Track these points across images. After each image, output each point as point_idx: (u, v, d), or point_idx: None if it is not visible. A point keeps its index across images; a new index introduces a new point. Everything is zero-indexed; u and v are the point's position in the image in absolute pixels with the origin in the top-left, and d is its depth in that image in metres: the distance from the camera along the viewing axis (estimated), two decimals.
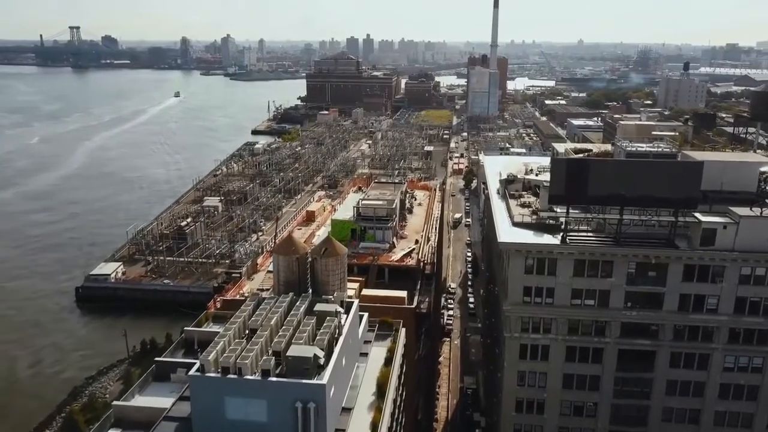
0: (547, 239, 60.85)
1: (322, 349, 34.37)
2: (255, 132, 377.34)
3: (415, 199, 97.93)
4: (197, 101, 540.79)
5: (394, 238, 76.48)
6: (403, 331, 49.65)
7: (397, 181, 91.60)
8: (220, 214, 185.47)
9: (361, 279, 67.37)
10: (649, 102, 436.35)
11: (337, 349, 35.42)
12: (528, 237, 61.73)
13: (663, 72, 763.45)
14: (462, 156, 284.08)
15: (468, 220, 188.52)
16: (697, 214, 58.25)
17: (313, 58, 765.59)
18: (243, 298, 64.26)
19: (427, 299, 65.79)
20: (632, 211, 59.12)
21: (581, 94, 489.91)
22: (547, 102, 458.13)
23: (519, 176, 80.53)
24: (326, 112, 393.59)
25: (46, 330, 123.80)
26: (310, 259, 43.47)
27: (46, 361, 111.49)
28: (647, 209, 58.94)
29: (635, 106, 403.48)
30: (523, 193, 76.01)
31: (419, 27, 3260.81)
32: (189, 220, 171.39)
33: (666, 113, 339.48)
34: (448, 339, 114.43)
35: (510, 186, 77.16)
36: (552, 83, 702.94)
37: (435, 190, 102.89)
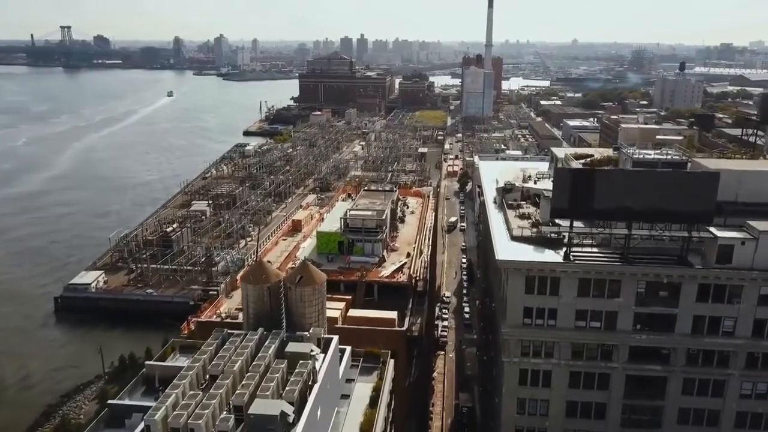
0: (549, 256, 55.97)
1: (293, 403, 29.36)
2: (247, 133, 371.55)
3: (408, 207, 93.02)
4: (189, 102, 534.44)
5: (384, 251, 71.54)
6: (391, 363, 44.68)
7: (387, 188, 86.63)
8: (208, 218, 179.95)
9: (347, 297, 62.50)
10: (644, 102, 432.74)
11: (311, 400, 30.45)
12: (528, 253, 56.81)
13: (657, 72, 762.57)
14: (456, 158, 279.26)
15: (463, 224, 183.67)
16: (712, 229, 53.47)
17: (307, 58, 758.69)
18: (219, 320, 59.29)
19: (419, 320, 60.78)
20: (641, 225, 54.38)
21: (576, 95, 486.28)
22: (542, 102, 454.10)
23: (517, 184, 75.69)
24: (319, 112, 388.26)
25: (21, 343, 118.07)
26: (283, 288, 38.39)
27: (19, 377, 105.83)
28: (658, 223, 54.18)
29: (631, 107, 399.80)
30: (522, 202, 71.13)
31: (414, 27, 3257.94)
32: (175, 225, 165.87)
33: (662, 114, 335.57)
34: (443, 352, 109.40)
35: (507, 195, 72.23)
36: (547, 83, 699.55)
37: (428, 196, 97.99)
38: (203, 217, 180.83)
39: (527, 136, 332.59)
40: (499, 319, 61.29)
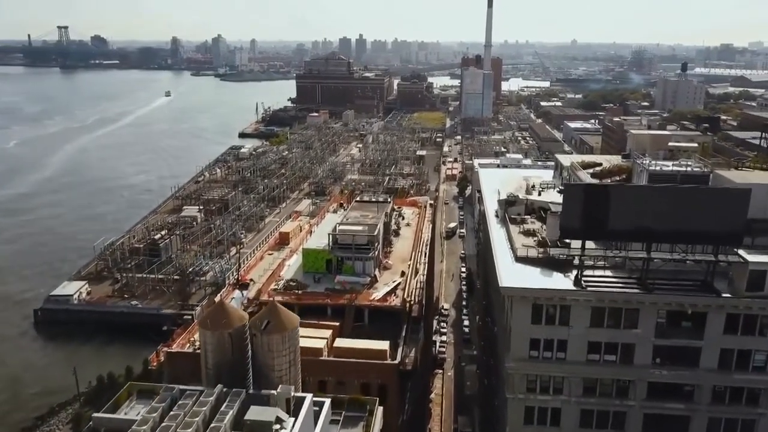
0: (558, 281, 50.07)
1: None
2: (242, 135, 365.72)
3: (403, 218, 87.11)
4: (185, 102, 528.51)
5: (377, 269, 65.61)
6: (380, 411, 38.76)
7: (381, 199, 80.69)
8: (199, 224, 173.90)
9: (335, 324, 56.64)
10: (646, 103, 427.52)
11: None
12: (535, 277, 50.89)
13: (657, 73, 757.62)
14: (455, 161, 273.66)
15: (462, 230, 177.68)
16: (741, 252, 47.68)
17: (305, 59, 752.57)
18: (192, 351, 53.42)
19: (413, 350, 54.89)
20: (661, 247, 48.60)
21: (577, 96, 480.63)
22: (542, 103, 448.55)
23: (520, 196, 69.87)
24: (316, 114, 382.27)
25: None
26: (248, 334, 32.53)
27: None
28: (680, 245, 48.40)
29: (632, 108, 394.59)
30: (526, 217, 65.29)
31: (412, 27, 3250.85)
32: (164, 232, 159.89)
33: (665, 115, 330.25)
34: (441, 371, 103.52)
35: (511, 209, 66.33)
36: (546, 84, 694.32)
37: (425, 207, 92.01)
38: (194, 223, 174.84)
39: (527, 138, 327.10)
40: (501, 349, 55.43)
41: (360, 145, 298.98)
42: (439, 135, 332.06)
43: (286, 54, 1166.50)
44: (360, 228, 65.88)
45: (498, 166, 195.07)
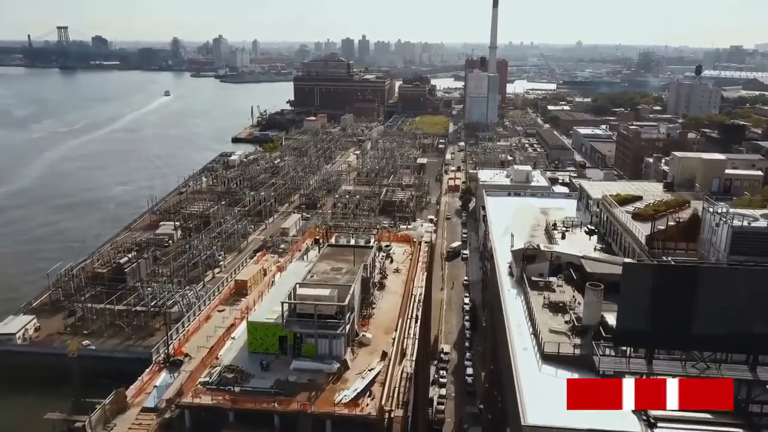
0: (611, 418, 32.77)
1: None
2: (236, 140, 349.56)
3: (391, 261, 70.16)
4: (181, 105, 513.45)
5: (348, 349, 48.57)
6: None
7: (362, 242, 63.60)
8: (175, 243, 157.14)
9: None
10: (658, 108, 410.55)
11: None
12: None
13: (666, 75, 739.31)
14: (459, 169, 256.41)
15: (465, 252, 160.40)
16: None
17: (304, 60, 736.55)
18: None
19: None
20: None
21: (585, 99, 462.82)
22: (549, 107, 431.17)
23: (542, 246, 52.87)
24: (313, 118, 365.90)
25: None
26: None
27: None
28: None
29: (644, 112, 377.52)
30: (552, 280, 48.37)
31: (416, 28, 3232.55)
32: (132, 254, 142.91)
33: (680, 121, 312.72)
34: None
35: (530, 267, 49.29)
36: (552, 86, 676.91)
37: (419, 244, 74.86)
38: (169, 241, 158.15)
39: (535, 145, 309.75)
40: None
41: (358, 152, 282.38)
42: (441, 141, 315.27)
43: (288, 55, 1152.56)
44: (327, 292, 48.87)
45: (506, 176, 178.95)
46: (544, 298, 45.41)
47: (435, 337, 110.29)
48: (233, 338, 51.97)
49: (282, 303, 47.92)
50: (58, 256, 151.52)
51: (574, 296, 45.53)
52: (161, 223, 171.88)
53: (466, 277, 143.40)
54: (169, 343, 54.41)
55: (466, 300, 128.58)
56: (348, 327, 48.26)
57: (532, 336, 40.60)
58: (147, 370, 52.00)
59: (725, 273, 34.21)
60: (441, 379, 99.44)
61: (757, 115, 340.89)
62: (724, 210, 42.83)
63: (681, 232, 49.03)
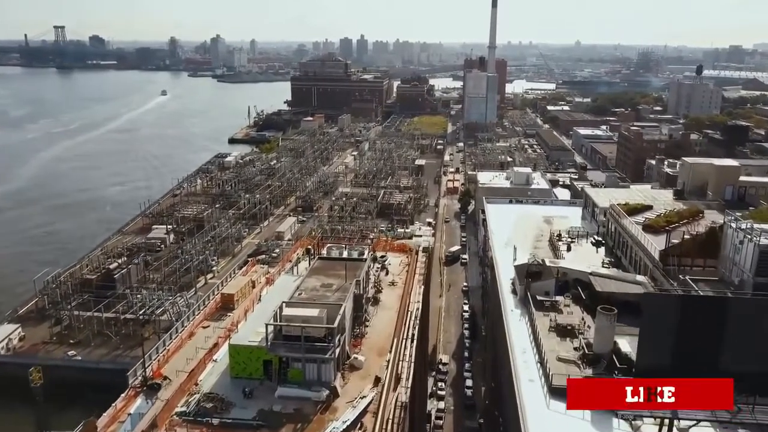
0: None
1: None
2: (232, 141, 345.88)
3: (387, 273, 66.58)
4: (178, 105, 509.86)
5: (339, 375, 44.96)
6: None
7: (356, 253, 59.77)
8: (167, 247, 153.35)
9: None
10: (658, 108, 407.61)
11: None
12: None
13: (665, 75, 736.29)
14: (457, 171, 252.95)
15: (465, 256, 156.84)
16: None
17: (302, 60, 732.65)
18: None
19: None
20: None
21: (585, 99, 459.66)
22: (549, 108, 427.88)
23: (547, 261, 49.23)
24: (311, 118, 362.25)
25: None
26: None
27: None
28: None
29: (644, 113, 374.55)
30: (558, 299, 44.81)
31: (415, 27, 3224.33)
32: (123, 259, 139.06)
33: (681, 122, 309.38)
34: None
35: (535, 285, 45.70)
36: (551, 86, 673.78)
37: (416, 254, 71.25)
38: (162, 246, 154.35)
39: (535, 146, 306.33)
40: None
41: (355, 153, 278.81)
42: (440, 142, 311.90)
43: (286, 55, 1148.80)
44: (315, 313, 45.23)
45: (506, 179, 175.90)
46: (551, 320, 41.83)
47: (433, 346, 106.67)
48: (215, 360, 48.31)
49: (266, 325, 44.23)
50: (50, 259, 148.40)
51: (583, 318, 41.99)
52: (154, 226, 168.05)
53: (465, 284, 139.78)
54: (147, 364, 50.75)
55: (465, 307, 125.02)
56: (338, 350, 44.63)
57: (538, 365, 37.09)
58: (122, 395, 48.26)
59: (756, 303, 30.54)
60: (439, 392, 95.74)
61: (758, 116, 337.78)
62: (749, 226, 39.25)
63: (698, 248, 45.48)
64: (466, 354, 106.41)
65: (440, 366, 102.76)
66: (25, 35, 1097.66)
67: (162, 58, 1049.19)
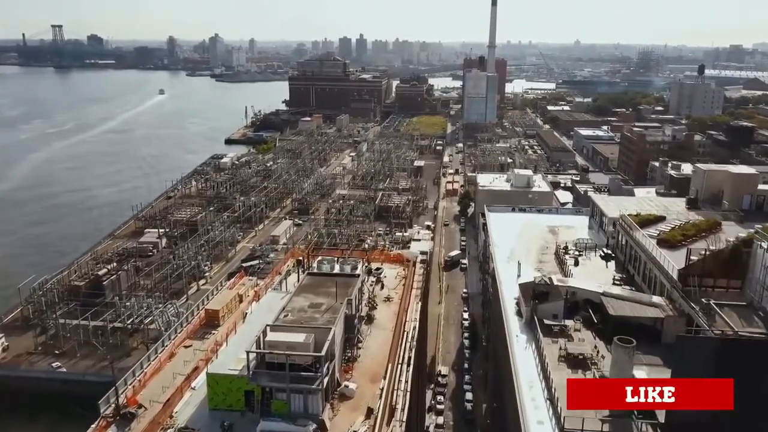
0: None
1: None
2: (229, 141, 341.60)
3: (382, 286, 62.64)
4: (175, 105, 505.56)
5: (328, 406, 40.99)
6: None
7: (348, 268, 55.63)
8: (159, 252, 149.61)
9: None
10: (659, 108, 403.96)
11: None
12: None
13: (665, 74, 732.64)
14: (457, 172, 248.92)
15: (464, 261, 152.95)
16: None
17: (301, 59, 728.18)
18: None
19: None
20: None
21: (585, 99, 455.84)
22: (549, 108, 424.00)
23: (555, 280, 45.29)
24: (309, 118, 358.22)
25: None
26: None
27: None
28: None
29: (645, 113, 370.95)
30: (568, 324, 40.83)
31: (414, 27, 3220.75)
32: (113, 265, 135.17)
33: (683, 122, 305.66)
34: None
35: (542, 307, 41.76)
36: (551, 86, 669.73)
37: (414, 265, 67.31)
38: (154, 251, 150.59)
39: (535, 146, 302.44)
40: None
41: (353, 154, 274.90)
42: (439, 142, 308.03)
43: (285, 54, 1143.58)
44: (301, 338, 41.21)
45: (506, 181, 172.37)
46: (560, 348, 37.91)
47: (432, 357, 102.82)
48: (193, 388, 44.32)
49: (248, 352, 40.27)
50: (38, 262, 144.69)
51: (595, 345, 38.13)
52: (146, 230, 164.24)
53: (465, 291, 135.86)
54: (122, 391, 46.85)
55: (465, 315, 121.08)
56: (326, 379, 40.67)
57: (548, 402, 33.25)
58: (92, 426, 44.30)
59: None
60: (438, 405, 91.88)
61: (761, 116, 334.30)
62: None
63: (720, 266, 41.53)
64: (466, 365, 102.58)
65: (439, 378, 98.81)
66: (23, 34, 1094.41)
67: (160, 57, 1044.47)
